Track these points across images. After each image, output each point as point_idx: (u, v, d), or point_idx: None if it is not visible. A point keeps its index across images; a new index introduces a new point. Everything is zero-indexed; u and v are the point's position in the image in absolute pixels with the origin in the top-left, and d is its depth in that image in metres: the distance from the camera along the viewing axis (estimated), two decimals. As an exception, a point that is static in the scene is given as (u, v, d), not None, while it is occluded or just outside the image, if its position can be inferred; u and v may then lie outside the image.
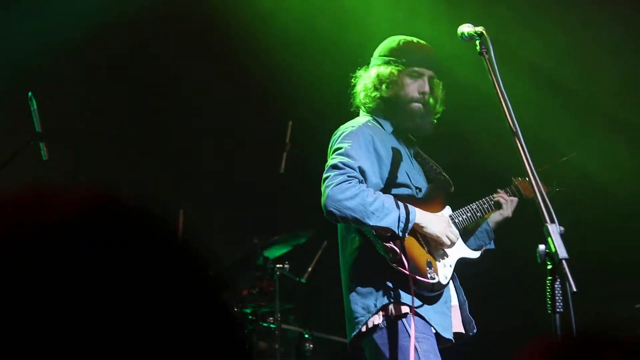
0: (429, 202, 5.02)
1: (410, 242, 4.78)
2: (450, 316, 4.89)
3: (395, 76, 5.06)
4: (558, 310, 3.65)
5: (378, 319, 4.68)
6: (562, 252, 3.63)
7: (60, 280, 1.05)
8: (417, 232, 4.82)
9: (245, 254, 7.34)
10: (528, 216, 4.59)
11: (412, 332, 4.57)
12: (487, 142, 7.55)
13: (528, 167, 4.05)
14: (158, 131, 8.39)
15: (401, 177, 4.97)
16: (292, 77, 8.20)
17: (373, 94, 5.11)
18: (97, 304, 1.06)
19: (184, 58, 8.29)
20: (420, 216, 4.75)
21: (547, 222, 3.75)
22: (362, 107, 5.20)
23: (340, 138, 4.91)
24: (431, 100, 5.15)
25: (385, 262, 4.65)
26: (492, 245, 5.35)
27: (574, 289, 3.55)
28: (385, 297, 4.68)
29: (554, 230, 3.71)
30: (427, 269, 4.74)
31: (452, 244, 4.87)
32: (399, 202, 4.70)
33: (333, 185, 4.62)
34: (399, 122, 5.14)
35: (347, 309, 4.85)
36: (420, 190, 5.10)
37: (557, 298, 3.67)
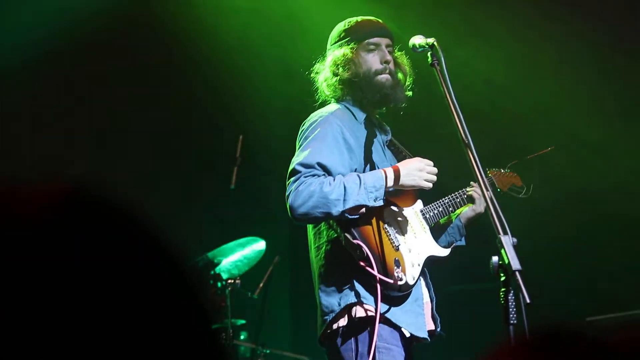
0: (399, 196, 4.88)
1: (379, 239, 4.65)
2: (423, 314, 4.78)
3: (351, 55, 4.93)
4: (512, 322, 3.64)
5: (343, 321, 4.58)
6: (515, 264, 3.61)
7: (28, 278, 1.04)
8: (386, 228, 4.71)
9: (196, 268, 7.25)
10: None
11: (374, 340, 4.46)
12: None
13: (480, 179, 4.04)
14: (112, 142, 8.28)
15: (367, 170, 4.81)
16: (242, 90, 8.17)
17: (334, 81, 4.99)
18: (68, 301, 1.04)
19: (132, 73, 8.19)
20: (388, 177, 4.63)
21: (499, 234, 3.74)
22: (330, 99, 5.07)
23: (308, 129, 4.81)
24: (398, 72, 5.03)
25: (352, 260, 4.54)
26: (462, 242, 5.26)
27: (528, 301, 3.53)
28: (350, 297, 4.56)
29: (507, 241, 3.70)
30: (395, 267, 4.60)
31: (431, 185, 4.74)
32: (361, 176, 4.58)
33: (290, 194, 4.54)
34: (369, 100, 4.98)
35: (317, 306, 4.76)
36: None
37: (510, 310, 3.66)
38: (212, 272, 7.23)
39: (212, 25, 8.02)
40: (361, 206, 4.53)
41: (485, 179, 4.09)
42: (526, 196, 5.52)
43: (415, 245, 4.82)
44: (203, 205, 8.35)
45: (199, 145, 8.37)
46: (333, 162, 4.65)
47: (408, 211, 4.93)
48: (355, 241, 4.52)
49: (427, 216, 4.96)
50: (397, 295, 4.61)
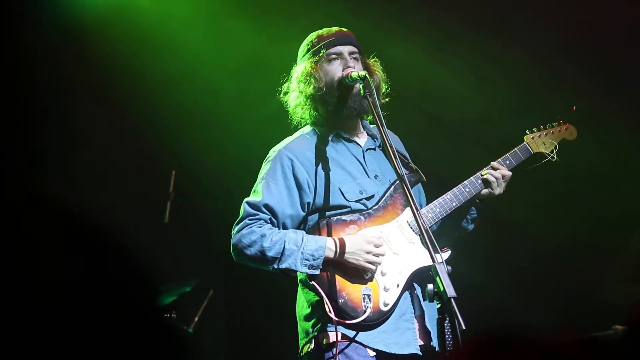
0: (380, 211, 4.74)
1: (343, 275, 4.58)
2: (412, 329, 4.65)
3: (313, 69, 4.81)
4: (449, 348, 3.71)
5: (312, 345, 4.61)
6: (451, 291, 3.70)
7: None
8: (358, 259, 4.57)
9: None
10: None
11: None
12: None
13: (415, 211, 4.08)
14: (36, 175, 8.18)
15: (331, 199, 4.71)
16: (174, 125, 8.14)
17: (300, 100, 4.85)
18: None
19: (63, 107, 8.11)
20: (329, 249, 4.52)
21: (435, 262, 3.80)
22: (304, 121, 4.95)
23: (263, 165, 4.82)
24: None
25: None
26: (470, 227, 5.11)
27: (463, 327, 3.60)
28: (319, 325, 4.58)
29: (442, 269, 3.77)
30: (362, 302, 4.54)
31: (375, 267, 4.57)
32: (305, 238, 4.53)
33: (234, 236, 4.61)
34: (340, 113, 4.82)
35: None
36: (371, 197, 4.77)
37: (447, 336, 3.73)
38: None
39: (145, 59, 7.98)
40: (292, 270, 4.56)
41: (419, 212, 4.14)
42: (553, 160, 5.15)
43: (394, 265, 4.65)
44: (139, 240, 8.28)
45: (133, 179, 8.30)
46: (280, 204, 4.66)
47: (389, 227, 4.75)
48: (311, 282, 4.56)
49: (413, 227, 4.75)
50: (370, 324, 4.57)
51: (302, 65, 4.87)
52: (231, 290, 8.74)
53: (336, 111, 4.84)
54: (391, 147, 4.31)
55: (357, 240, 4.55)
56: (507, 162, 5.04)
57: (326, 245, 4.52)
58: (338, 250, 4.51)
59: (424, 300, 4.69)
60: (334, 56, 4.83)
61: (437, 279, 3.74)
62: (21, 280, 1.13)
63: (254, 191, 4.74)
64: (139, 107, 8.06)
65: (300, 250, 4.48)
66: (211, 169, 8.00)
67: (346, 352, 4.52)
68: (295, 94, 4.88)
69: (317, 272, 4.52)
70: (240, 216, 4.65)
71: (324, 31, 4.93)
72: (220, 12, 7.93)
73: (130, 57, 7.96)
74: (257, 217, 4.60)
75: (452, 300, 3.66)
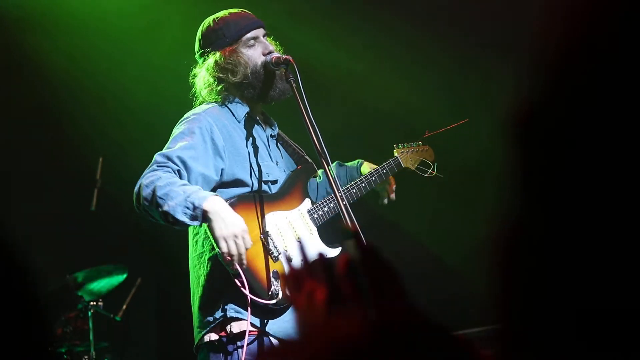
0: (284, 197, 4.71)
1: (255, 250, 4.42)
2: None
3: (233, 57, 4.72)
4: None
5: (215, 335, 4.43)
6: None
7: None
8: (265, 237, 4.50)
9: (58, 290, 7.10)
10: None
11: (243, 356, 4.32)
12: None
13: (338, 195, 4.11)
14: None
15: (241, 174, 4.60)
16: (101, 111, 8.06)
17: (220, 87, 4.73)
18: None
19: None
20: (211, 205, 4.21)
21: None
22: (213, 100, 4.78)
23: (179, 124, 4.61)
24: None
25: (227, 273, 4.33)
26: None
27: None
28: (224, 312, 4.40)
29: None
30: (272, 281, 4.41)
31: (235, 254, 4.24)
32: (197, 190, 4.25)
33: (138, 181, 4.32)
34: (264, 97, 4.77)
35: (194, 316, 4.57)
36: (275, 182, 4.75)
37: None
38: (75, 294, 7.11)
39: (71, 44, 7.90)
40: (169, 214, 4.19)
41: (340, 194, 4.15)
42: (431, 175, 5.46)
43: (298, 253, 4.58)
44: (65, 227, 8.18)
45: (59, 167, 8.20)
46: (194, 160, 4.42)
47: (292, 214, 4.74)
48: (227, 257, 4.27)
49: (315, 216, 4.79)
50: (276, 308, 4.45)
51: (222, 53, 4.74)
52: (161, 277, 8.70)
53: (258, 96, 4.79)
54: (315, 131, 4.31)
55: (238, 221, 4.26)
56: (384, 171, 5.21)
57: (213, 200, 4.24)
58: (221, 213, 4.21)
59: None
60: (252, 42, 4.76)
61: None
62: None
63: (168, 145, 4.50)
64: (67, 93, 7.98)
65: (185, 196, 4.18)
66: (137, 155, 7.95)
67: (257, 341, 4.43)
68: (209, 79, 4.75)
69: (197, 223, 4.26)
70: (150, 167, 4.37)
71: (230, 14, 4.82)
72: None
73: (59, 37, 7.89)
74: (166, 164, 4.35)
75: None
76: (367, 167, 5.26)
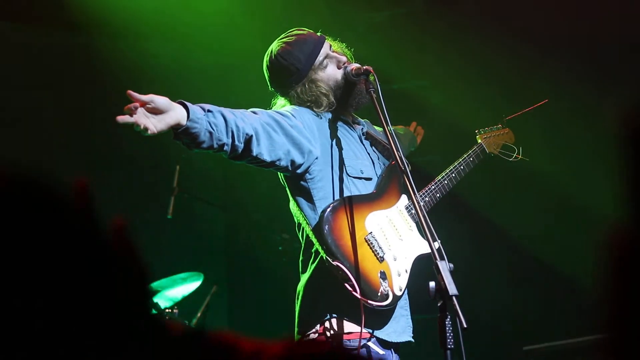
0: (382, 195, 4.67)
1: (362, 252, 4.38)
2: (407, 315, 4.60)
3: (313, 89, 4.68)
4: (449, 346, 3.67)
5: (316, 336, 4.37)
6: (453, 289, 3.66)
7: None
8: (369, 238, 4.43)
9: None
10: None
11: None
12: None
13: (419, 210, 4.04)
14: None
15: (336, 169, 4.60)
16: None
17: (319, 109, 4.71)
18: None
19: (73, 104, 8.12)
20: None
21: (437, 259, 3.77)
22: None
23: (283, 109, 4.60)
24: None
25: (336, 279, 4.28)
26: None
27: (465, 325, 3.56)
28: (332, 317, 4.35)
29: (444, 267, 3.74)
30: (381, 282, 4.35)
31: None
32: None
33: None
34: (345, 107, 4.81)
35: (296, 318, 4.53)
36: (370, 179, 4.70)
37: (448, 334, 3.69)
38: (152, 300, 7.17)
39: (151, 55, 8.00)
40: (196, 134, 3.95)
41: (419, 202, 4.10)
42: (516, 159, 5.52)
43: (401, 250, 4.59)
44: (142, 234, 8.26)
45: (139, 176, 8.30)
46: (290, 127, 4.42)
47: (392, 212, 4.69)
48: (335, 262, 4.25)
49: (413, 212, 4.72)
50: (385, 309, 4.39)
51: (301, 88, 4.69)
52: (233, 285, 8.74)
53: (341, 107, 4.78)
54: (395, 144, 4.28)
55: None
56: (471, 159, 5.36)
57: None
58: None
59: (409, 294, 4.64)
60: (325, 61, 4.73)
61: (439, 276, 3.71)
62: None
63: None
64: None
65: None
66: (215, 165, 8.01)
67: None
68: (304, 103, 4.70)
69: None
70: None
71: (288, 44, 4.74)
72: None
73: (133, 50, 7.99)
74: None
75: (454, 298, 3.63)
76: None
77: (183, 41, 8.36)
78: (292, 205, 4.67)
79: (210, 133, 3.98)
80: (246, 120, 4.19)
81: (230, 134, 4.08)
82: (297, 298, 4.57)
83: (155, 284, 7.19)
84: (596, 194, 6.09)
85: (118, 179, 8.13)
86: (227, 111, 4.12)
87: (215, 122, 4.01)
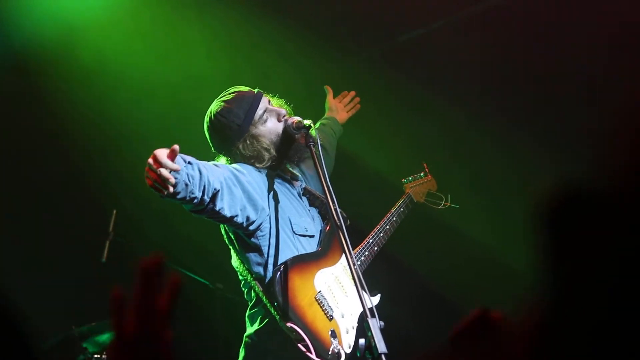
0: (326, 253, 4.70)
1: (313, 311, 4.42)
2: None
3: (254, 144, 4.72)
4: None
5: None
6: (382, 347, 3.68)
7: None
8: (319, 298, 4.46)
9: (62, 342, 7.05)
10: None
11: None
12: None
13: (352, 266, 4.05)
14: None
15: (283, 226, 4.63)
16: (115, 165, 8.08)
17: (261, 164, 4.76)
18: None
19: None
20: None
21: (367, 317, 3.78)
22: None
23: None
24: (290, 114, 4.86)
25: (287, 337, 4.32)
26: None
27: (394, 383, 3.58)
28: None
29: (374, 324, 3.76)
30: (332, 340, 4.38)
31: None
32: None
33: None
34: (284, 160, 4.85)
35: None
36: (313, 237, 4.75)
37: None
38: (82, 345, 7.06)
39: (87, 94, 7.95)
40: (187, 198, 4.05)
41: (354, 262, 4.11)
42: (445, 207, 5.55)
43: (348, 307, 4.62)
44: (74, 279, 8.16)
45: (70, 219, 8.21)
46: (246, 183, 4.47)
47: (337, 269, 4.73)
48: (288, 324, 4.29)
49: (354, 270, 4.60)
50: None
51: (243, 144, 4.72)
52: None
53: (281, 161, 4.82)
54: (332, 198, 4.30)
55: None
56: (401, 209, 5.50)
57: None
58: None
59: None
60: (265, 115, 4.77)
61: (369, 334, 3.73)
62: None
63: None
64: (79, 146, 8.01)
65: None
66: (151, 209, 7.94)
67: None
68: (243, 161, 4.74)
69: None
70: None
71: (227, 103, 4.77)
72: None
73: (77, 92, 7.93)
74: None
75: (383, 356, 3.64)
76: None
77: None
78: (237, 263, 4.65)
79: (186, 185, 3.98)
80: (214, 175, 4.22)
81: (201, 188, 4.09)
82: (244, 347, 4.57)
83: (84, 329, 7.08)
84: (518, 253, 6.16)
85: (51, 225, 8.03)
86: (201, 164, 4.15)
87: (193, 174, 4.02)
